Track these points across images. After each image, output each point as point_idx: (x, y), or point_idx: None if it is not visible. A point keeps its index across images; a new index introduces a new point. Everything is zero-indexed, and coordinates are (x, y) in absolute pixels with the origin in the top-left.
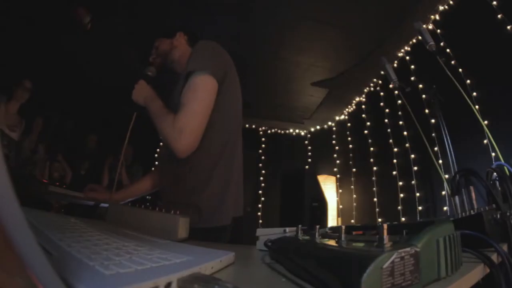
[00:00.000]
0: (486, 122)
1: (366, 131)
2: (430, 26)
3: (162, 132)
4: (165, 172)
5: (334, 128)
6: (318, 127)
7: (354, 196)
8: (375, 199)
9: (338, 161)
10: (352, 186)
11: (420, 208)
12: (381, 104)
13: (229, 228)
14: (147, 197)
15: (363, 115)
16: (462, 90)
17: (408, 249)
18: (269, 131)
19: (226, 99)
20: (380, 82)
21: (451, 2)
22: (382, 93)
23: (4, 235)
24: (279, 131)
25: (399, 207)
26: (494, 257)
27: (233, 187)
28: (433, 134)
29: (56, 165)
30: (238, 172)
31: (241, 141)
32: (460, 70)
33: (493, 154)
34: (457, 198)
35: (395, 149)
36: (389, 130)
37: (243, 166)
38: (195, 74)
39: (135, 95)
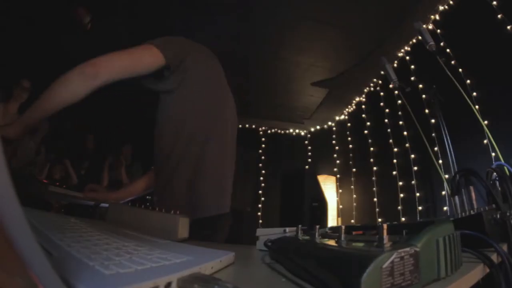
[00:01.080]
0: (486, 122)
1: (366, 131)
2: (430, 26)
3: (64, 80)
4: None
5: (334, 128)
6: (318, 127)
7: (354, 196)
8: (375, 199)
9: (338, 161)
10: (352, 186)
11: (420, 208)
12: (381, 104)
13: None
14: (147, 197)
15: (363, 115)
16: (462, 90)
17: (407, 249)
18: (269, 131)
19: (188, 94)
20: (380, 82)
21: (451, 2)
22: (382, 93)
23: (4, 235)
24: (279, 131)
25: (399, 207)
26: (494, 257)
27: (207, 184)
28: (433, 134)
29: (58, 167)
30: (217, 170)
31: (229, 136)
32: (460, 70)
33: (493, 154)
34: (457, 198)
35: (395, 149)
36: (389, 130)
37: (241, 165)
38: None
39: (7, 133)
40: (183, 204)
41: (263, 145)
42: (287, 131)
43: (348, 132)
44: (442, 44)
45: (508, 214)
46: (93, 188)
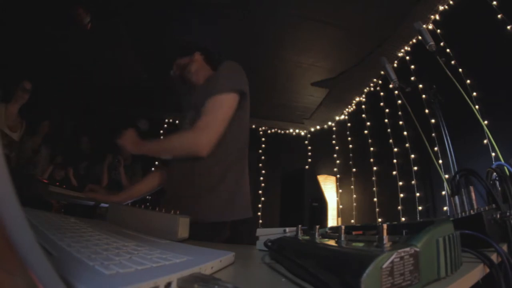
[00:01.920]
0: (486, 122)
1: (366, 131)
2: (430, 26)
3: (179, 145)
4: (179, 171)
5: (334, 128)
6: (318, 127)
7: (354, 196)
8: (375, 199)
9: (338, 161)
10: (352, 186)
11: (420, 208)
12: (381, 104)
13: (247, 222)
14: (147, 197)
15: (363, 115)
16: (462, 90)
17: (407, 249)
18: (269, 131)
19: (243, 113)
20: (380, 82)
21: (451, 2)
22: (382, 93)
23: (4, 235)
24: (279, 131)
25: (399, 207)
26: (494, 257)
27: (242, 191)
28: (433, 134)
29: (61, 173)
30: (247, 179)
31: (247, 153)
32: (460, 70)
33: (493, 154)
34: (457, 198)
35: (395, 149)
36: (389, 130)
37: None
38: (223, 90)
39: (124, 140)
40: (221, 210)
41: (263, 145)
42: (287, 131)
43: (348, 132)
44: (442, 44)
45: (508, 214)
46: (93, 189)
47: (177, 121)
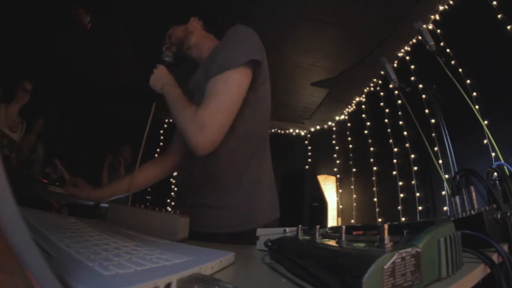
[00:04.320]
0: (486, 122)
1: (366, 131)
2: (430, 26)
3: (180, 124)
4: (193, 171)
5: (334, 128)
6: (318, 127)
7: (354, 196)
8: (375, 199)
9: (338, 161)
10: (352, 186)
11: (420, 208)
12: (381, 104)
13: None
14: (147, 197)
15: (363, 115)
16: (462, 90)
17: (409, 249)
18: (269, 131)
19: (262, 91)
20: (380, 82)
21: (451, 2)
22: (382, 93)
23: (2, 235)
24: (279, 131)
25: (399, 207)
26: (495, 257)
27: (265, 188)
28: (433, 134)
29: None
30: (270, 173)
31: (268, 142)
32: (460, 70)
33: (493, 154)
34: (457, 198)
35: (395, 149)
36: (389, 130)
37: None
38: (228, 65)
39: (153, 80)
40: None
41: None
42: (287, 131)
43: (348, 132)
44: (442, 44)
45: (508, 214)
46: (76, 184)
47: None
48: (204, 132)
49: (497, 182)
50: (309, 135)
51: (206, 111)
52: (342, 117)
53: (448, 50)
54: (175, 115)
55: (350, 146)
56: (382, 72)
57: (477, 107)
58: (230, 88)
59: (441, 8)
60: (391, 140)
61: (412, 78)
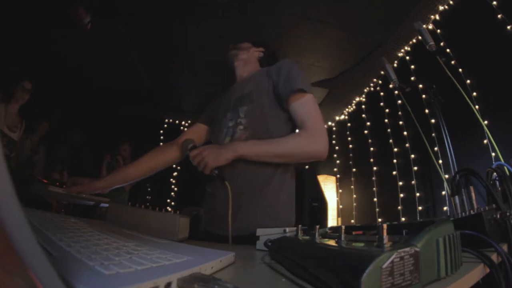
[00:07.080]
0: (486, 122)
1: (366, 131)
2: (430, 26)
3: (296, 151)
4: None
5: (334, 128)
6: None
7: (354, 196)
8: (375, 199)
9: (338, 161)
10: (352, 186)
11: (420, 208)
12: (381, 104)
13: None
14: (147, 197)
15: (363, 115)
16: (462, 90)
17: (407, 249)
18: None
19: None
20: (380, 82)
21: (451, 2)
22: (382, 93)
23: (4, 235)
24: None
25: (399, 207)
26: (494, 257)
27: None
28: (433, 134)
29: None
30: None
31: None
32: (460, 70)
33: (493, 154)
34: (457, 198)
35: (395, 149)
36: (389, 130)
37: None
38: (308, 88)
39: (213, 161)
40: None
41: None
42: None
43: (348, 132)
44: (442, 44)
45: (508, 214)
46: (76, 182)
47: (177, 121)
48: (320, 138)
49: (497, 182)
50: None
51: (313, 124)
52: (342, 117)
53: (448, 50)
54: (280, 154)
55: (350, 146)
56: (382, 72)
57: (477, 107)
58: (317, 108)
59: (441, 8)
60: (391, 140)
61: (412, 78)
